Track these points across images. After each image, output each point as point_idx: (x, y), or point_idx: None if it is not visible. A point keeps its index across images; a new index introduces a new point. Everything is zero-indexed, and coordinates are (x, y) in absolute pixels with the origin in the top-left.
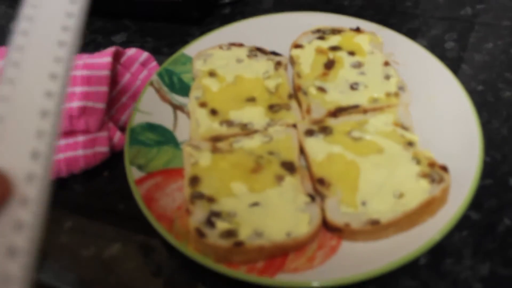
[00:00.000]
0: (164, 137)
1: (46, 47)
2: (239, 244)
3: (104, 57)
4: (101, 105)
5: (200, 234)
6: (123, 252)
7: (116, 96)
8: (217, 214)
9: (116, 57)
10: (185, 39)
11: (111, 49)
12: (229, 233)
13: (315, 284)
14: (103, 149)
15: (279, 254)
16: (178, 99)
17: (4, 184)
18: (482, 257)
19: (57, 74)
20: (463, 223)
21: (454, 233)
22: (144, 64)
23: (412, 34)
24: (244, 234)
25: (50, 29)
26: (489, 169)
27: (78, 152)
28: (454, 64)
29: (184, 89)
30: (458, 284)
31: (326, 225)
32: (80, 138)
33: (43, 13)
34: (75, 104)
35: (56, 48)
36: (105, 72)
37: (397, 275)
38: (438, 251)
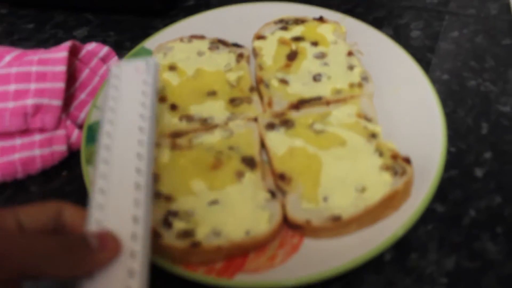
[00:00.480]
0: None
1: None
2: (196, 244)
3: (59, 52)
4: (57, 102)
5: (156, 235)
6: None
7: (74, 93)
8: (174, 214)
9: (74, 52)
10: (148, 33)
11: (67, 44)
12: (186, 233)
13: (275, 284)
14: (60, 148)
15: (239, 254)
16: None
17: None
18: (447, 250)
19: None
20: (428, 216)
21: (419, 226)
22: (104, 59)
23: (378, 23)
24: (201, 234)
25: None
26: (454, 160)
27: (35, 151)
28: (419, 53)
29: None
30: (424, 279)
31: (287, 223)
32: (36, 137)
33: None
34: (30, 101)
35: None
36: (61, 68)
37: (362, 272)
38: (403, 246)
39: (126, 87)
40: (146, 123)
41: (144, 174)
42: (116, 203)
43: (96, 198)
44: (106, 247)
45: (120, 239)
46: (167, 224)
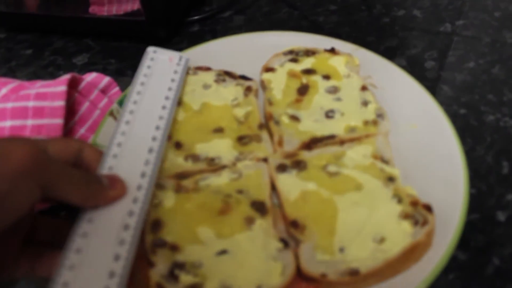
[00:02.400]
0: None
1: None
2: None
3: (58, 86)
4: None
5: None
6: None
7: (73, 128)
8: (180, 266)
9: (73, 84)
10: None
11: (66, 77)
12: None
13: None
14: None
15: None
16: None
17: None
18: None
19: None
20: (449, 264)
21: (441, 276)
22: (104, 91)
23: (390, 53)
24: None
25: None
26: (475, 203)
27: None
28: (434, 85)
29: None
30: None
31: (301, 274)
32: None
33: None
34: None
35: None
36: (59, 103)
37: None
38: None
39: (157, 71)
40: (170, 103)
41: (158, 142)
42: (128, 161)
43: (113, 149)
44: (115, 187)
45: (126, 183)
46: (173, 277)
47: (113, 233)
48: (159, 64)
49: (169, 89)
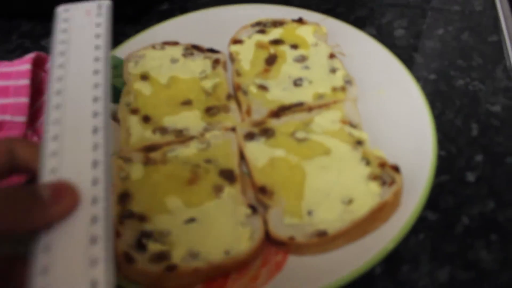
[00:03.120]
0: None
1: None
2: (171, 268)
3: (22, 65)
4: (21, 118)
5: (128, 259)
6: None
7: (40, 107)
8: (148, 235)
9: (39, 63)
10: (120, 40)
11: (30, 55)
12: (161, 256)
13: None
14: None
15: (219, 275)
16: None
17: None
18: (440, 261)
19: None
20: (419, 225)
21: (410, 236)
22: None
23: (360, 23)
24: (177, 256)
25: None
26: (444, 165)
27: None
28: (404, 53)
29: (115, 95)
30: None
31: (270, 239)
32: None
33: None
34: None
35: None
36: (24, 81)
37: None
38: (394, 258)
39: (77, 31)
40: (101, 65)
41: (101, 116)
42: (72, 149)
43: (49, 145)
44: (61, 199)
45: (78, 189)
46: (141, 246)
47: (79, 252)
48: (76, 23)
49: (96, 47)
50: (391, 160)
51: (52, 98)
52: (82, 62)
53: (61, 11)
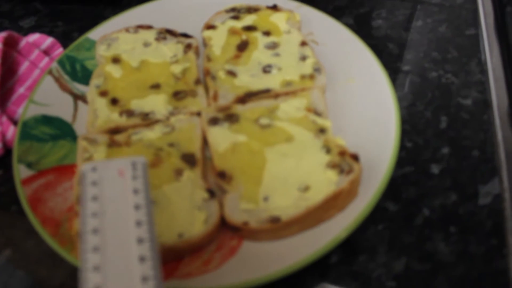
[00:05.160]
0: (61, 130)
1: None
2: None
3: None
4: None
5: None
6: (13, 260)
7: (11, 87)
8: None
9: (12, 43)
10: (98, 23)
11: (2, 34)
12: None
13: None
14: None
15: (172, 258)
16: (80, 88)
17: None
18: (397, 252)
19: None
20: (379, 215)
21: (369, 226)
22: (47, 51)
23: (338, 12)
24: None
25: None
26: (410, 156)
27: None
28: (381, 44)
29: (87, 78)
30: (371, 283)
31: (226, 224)
32: None
33: None
34: None
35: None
36: None
37: (306, 275)
38: (351, 248)
39: (111, 201)
40: (146, 248)
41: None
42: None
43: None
44: None
45: None
46: None
47: None
48: (110, 190)
49: (138, 224)
50: (354, 149)
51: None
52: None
53: (87, 172)
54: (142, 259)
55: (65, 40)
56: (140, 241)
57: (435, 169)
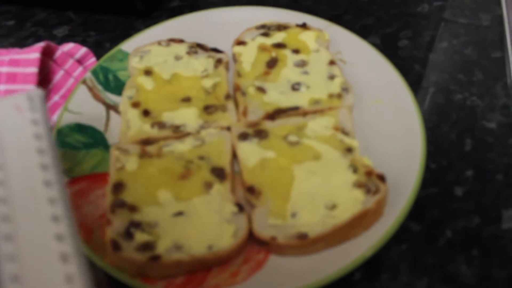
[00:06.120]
0: (93, 139)
1: None
2: (155, 258)
3: (32, 53)
4: None
5: (115, 246)
6: None
7: (47, 95)
8: (137, 225)
9: (48, 53)
10: (130, 34)
11: (40, 44)
12: (147, 246)
13: None
14: None
15: (201, 268)
16: (113, 98)
17: None
18: (419, 272)
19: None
20: (402, 235)
21: (392, 246)
22: (80, 61)
23: (365, 31)
24: (162, 247)
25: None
26: (434, 177)
27: None
28: (406, 64)
29: (119, 88)
30: None
31: (254, 238)
32: None
33: None
34: None
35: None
36: (32, 69)
37: None
38: (374, 266)
39: (9, 135)
40: (52, 174)
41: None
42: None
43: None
44: None
45: None
46: (129, 235)
47: None
48: (7, 125)
49: (40, 151)
50: (379, 169)
51: None
52: (27, 174)
53: None
54: (55, 218)
55: (97, 49)
56: (52, 201)
57: (458, 191)
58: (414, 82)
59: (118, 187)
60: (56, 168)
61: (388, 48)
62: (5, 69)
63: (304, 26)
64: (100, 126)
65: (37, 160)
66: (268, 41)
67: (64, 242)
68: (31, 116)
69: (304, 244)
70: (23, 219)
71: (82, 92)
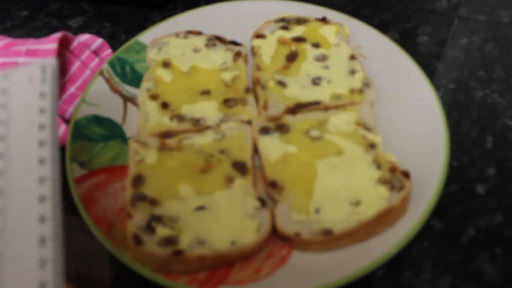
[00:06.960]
0: (111, 131)
1: None
2: (178, 252)
3: (49, 43)
4: None
5: (137, 240)
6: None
7: (63, 86)
8: (158, 219)
9: (65, 43)
10: (145, 25)
11: (57, 35)
12: (169, 241)
13: None
14: None
15: (223, 264)
16: (130, 90)
17: None
18: (443, 270)
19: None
20: (424, 232)
21: (415, 243)
22: (96, 52)
23: (383, 26)
24: (185, 241)
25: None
26: (455, 175)
27: None
28: (425, 60)
29: (136, 80)
30: None
31: (277, 233)
32: None
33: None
34: None
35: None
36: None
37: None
38: (397, 263)
39: (17, 106)
40: (48, 150)
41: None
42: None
43: None
44: None
45: None
46: (150, 229)
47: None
48: (17, 94)
49: (41, 127)
50: (402, 165)
51: None
52: (26, 148)
53: None
54: (41, 199)
55: (112, 41)
56: (42, 180)
57: (480, 189)
58: (434, 78)
59: (138, 180)
60: (52, 145)
61: (407, 44)
62: (22, 59)
63: (324, 20)
64: (117, 118)
65: (36, 136)
66: (288, 35)
67: (45, 225)
68: (40, 89)
69: (329, 240)
70: (13, 195)
71: (99, 84)
